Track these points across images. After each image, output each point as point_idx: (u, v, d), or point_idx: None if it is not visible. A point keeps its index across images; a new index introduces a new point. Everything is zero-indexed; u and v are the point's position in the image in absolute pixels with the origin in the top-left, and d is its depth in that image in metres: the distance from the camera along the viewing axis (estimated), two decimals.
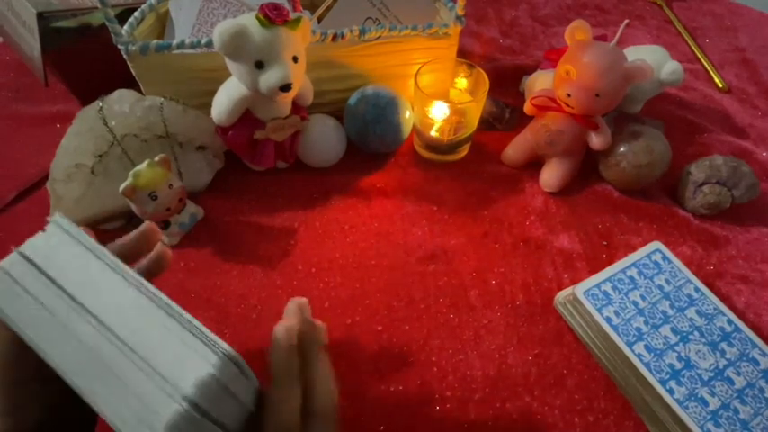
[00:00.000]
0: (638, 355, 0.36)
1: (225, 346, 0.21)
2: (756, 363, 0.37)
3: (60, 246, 0.23)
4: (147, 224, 0.28)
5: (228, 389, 0.21)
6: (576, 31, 0.45)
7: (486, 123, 0.58)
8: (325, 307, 0.42)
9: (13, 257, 0.22)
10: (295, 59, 0.40)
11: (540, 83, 0.56)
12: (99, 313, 0.21)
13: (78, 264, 0.22)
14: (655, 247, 0.43)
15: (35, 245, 0.23)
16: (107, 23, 0.42)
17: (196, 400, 0.19)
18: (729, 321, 0.38)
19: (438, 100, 0.48)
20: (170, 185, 0.42)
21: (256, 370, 0.23)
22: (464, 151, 0.55)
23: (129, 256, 0.27)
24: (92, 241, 0.23)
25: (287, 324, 0.25)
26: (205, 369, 0.20)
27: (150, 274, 0.29)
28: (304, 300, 0.29)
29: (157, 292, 0.22)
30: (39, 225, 0.44)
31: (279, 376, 0.24)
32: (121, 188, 0.39)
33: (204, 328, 0.21)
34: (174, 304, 0.22)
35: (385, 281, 0.44)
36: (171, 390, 0.19)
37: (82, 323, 0.21)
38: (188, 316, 0.22)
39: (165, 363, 0.20)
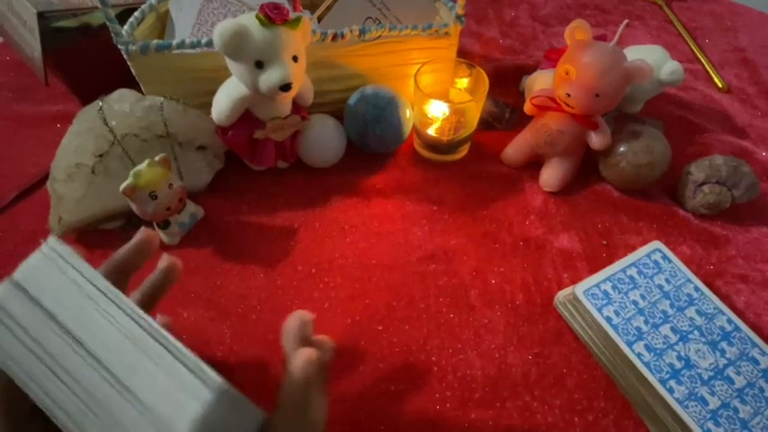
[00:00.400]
0: (638, 355, 0.36)
1: (217, 379, 0.20)
2: (756, 362, 0.37)
3: (54, 272, 0.22)
4: (142, 232, 0.27)
5: (224, 425, 0.20)
6: (576, 31, 0.45)
7: (486, 123, 0.58)
8: (325, 307, 0.42)
9: (5, 287, 0.21)
10: (295, 59, 0.40)
11: (539, 83, 0.56)
12: (94, 347, 0.20)
13: (72, 292, 0.22)
14: (654, 247, 0.43)
15: (28, 271, 0.22)
16: (107, 23, 0.42)
17: None
18: (729, 321, 0.38)
19: (438, 99, 0.48)
20: (170, 185, 0.42)
21: (256, 373, 0.23)
22: (464, 151, 0.55)
23: (128, 269, 0.26)
24: (87, 266, 0.22)
25: (308, 357, 0.24)
26: (199, 409, 0.19)
27: (160, 288, 0.28)
28: (308, 317, 0.27)
29: (150, 320, 0.22)
30: (39, 225, 0.44)
31: (288, 405, 0.23)
32: (122, 188, 0.39)
33: (196, 359, 0.21)
34: (166, 334, 0.21)
35: (385, 281, 0.44)
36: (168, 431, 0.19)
37: (76, 359, 0.20)
38: (180, 346, 0.21)
39: (160, 403, 0.19)
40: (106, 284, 0.22)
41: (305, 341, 0.26)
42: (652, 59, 0.47)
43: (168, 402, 0.20)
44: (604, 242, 0.48)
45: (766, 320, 0.42)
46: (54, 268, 0.22)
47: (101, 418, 0.19)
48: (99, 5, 0.41)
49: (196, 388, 0.20)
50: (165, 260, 0.29)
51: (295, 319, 0.26)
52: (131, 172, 0.39)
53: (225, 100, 0.43)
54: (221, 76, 0.43)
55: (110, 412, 0.19)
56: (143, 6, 0.50)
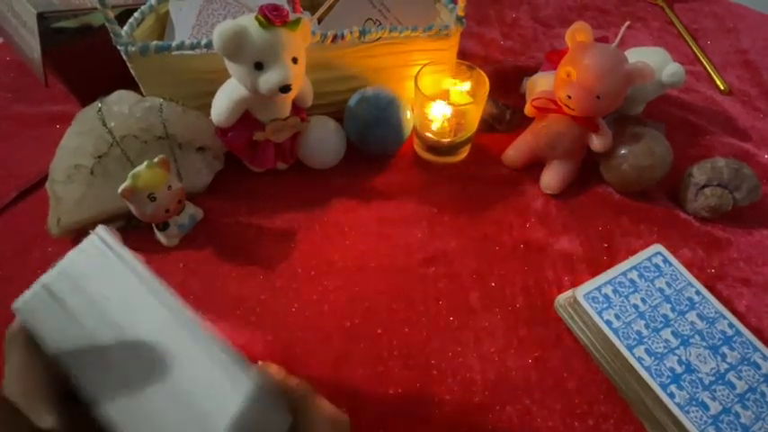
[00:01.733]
0: (639, 359, 0.36)
1: (258, 373, 0.21)
2: (758, 367, 0.36)
3: (100, 261, 0.23)
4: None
5: (263, 418, 0.21)
6: (577, 33, 0.45)
7: (487, 125, 0.58)
8: (325, 310, 0.42)
9: (54, 272, 0.22)
10: (295, 60, 0.40)
11: (540, 84, 0.56)
12: (135, 334, 0.21)
13: (117, 280, 0.22)
14: (656, 250, 0.42)
15: (76, 259, 0.23)
16: (107, 24, 0.42)
17: None
18: (730, 325, 0.38)
19: (438, 101, 0.48)
20: (169, 187, 0.41)
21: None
22: (464, 153, 0.55)
23: None
24: (131, 256, 0.23)
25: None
26: (241, 400, 0.19)
27: None
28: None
29: (191, 312, 0.22)
30: (39, 225, 0.44)
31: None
32: (120, 189, 0.39)
33: (237, 353, 0.21)
34: (207, 326, 0.22)
35: (385, 283, 0.44)
36: (209, 425, 0.19)
37: (119, 347, 0.21)
38: (219, 338, 0.21)
39: (203, 394, 0.20)
40: (146, 272, 0.23)
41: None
42: (653, 61, 0.47)
43: (210, 394, 0.20)
44: (605, 245, 0.48)
45: None
46: (99, 255, 0.23)
47: (141, 405, 0.20)
48: (99, 6, 0.40)
49: (238, 379, 0.20)
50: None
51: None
52: (130, 173, 0.39)
53: (224, 101, 0.43)
54: (221, 77, 0.43)
55: (155, 406, 0.20)
56: (143, 7, 0.50)
